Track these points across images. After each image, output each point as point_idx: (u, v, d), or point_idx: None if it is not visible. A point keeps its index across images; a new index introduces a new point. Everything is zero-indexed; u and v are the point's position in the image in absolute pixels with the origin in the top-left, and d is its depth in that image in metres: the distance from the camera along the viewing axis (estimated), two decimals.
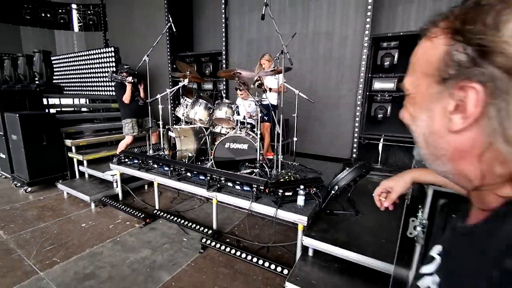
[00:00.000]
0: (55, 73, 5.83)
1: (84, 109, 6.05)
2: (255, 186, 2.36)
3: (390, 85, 3.80)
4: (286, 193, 2.27)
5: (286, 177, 2.62)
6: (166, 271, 2.17)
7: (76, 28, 8.72)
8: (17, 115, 3.58)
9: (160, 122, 3.47)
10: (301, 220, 2.07)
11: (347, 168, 2.50)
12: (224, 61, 5.02)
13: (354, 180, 2.49)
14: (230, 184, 2.56)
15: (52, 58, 5.57)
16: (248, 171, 2.83)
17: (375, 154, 3.97)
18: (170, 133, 3.52)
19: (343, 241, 2.00)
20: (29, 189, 3.77)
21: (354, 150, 4.02)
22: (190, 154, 3.32)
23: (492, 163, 0.33)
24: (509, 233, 0.29)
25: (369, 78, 3.91)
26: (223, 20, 4.86)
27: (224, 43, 4.94)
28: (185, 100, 3.59)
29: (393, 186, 0.82)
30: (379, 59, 3.80)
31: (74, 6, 8.60)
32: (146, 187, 3.96)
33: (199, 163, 3.36)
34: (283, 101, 3.01)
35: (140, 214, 3.00)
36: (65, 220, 3.01)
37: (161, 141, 3.56)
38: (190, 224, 2.79)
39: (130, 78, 3.68)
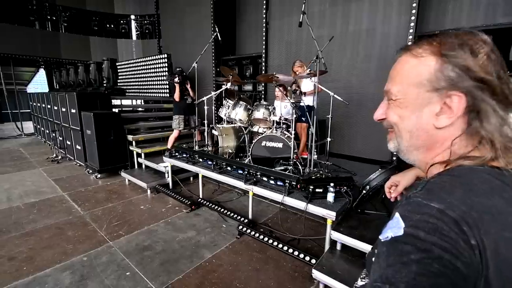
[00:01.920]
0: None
1: (140, 108, 6.85)
2: (288, 181, 2.55)
3: None
4: (317, 190, 2.40)
5: (318, 175, 2.74)
6: (208, 249, 2.50)
7: (134, 37, 9.83)
8: (92, 113, 4.28)
9: (205, 121, 3.84)
10: (330, 215, 2.20)
11: (380, 169, 2.54)
12: (263, 63, 5.22)
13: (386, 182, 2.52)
14: (265, 178, 2.78)
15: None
16: (282, 168, 3.00)
17: None
18: (213, 131, 3.85)
19: (371, 238, 2.05)
20: (99, 175, 4.48)
21: (394, 152, 3.92)
22: (230, 151, 3.62)
23: (455, 148, 0.48)
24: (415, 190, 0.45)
25: None
26: (264, 25, 5.06)
27: (264, 46, 5.14)
28: (227, 101, 3.91)
29: (400, 180, 0.95)
30: None
31: (132, 16, 9.71)
32: (191, 179, 4.42)
33: (238, 159, 3.61)
34: (320, 103, 3.09)
35: (187, 201, 3.41)
36: (127, 202, 3.57)
37: (206, 138, 3.95)
38: (229, 213, 3.10)
39: (176, 79, 4.17)
